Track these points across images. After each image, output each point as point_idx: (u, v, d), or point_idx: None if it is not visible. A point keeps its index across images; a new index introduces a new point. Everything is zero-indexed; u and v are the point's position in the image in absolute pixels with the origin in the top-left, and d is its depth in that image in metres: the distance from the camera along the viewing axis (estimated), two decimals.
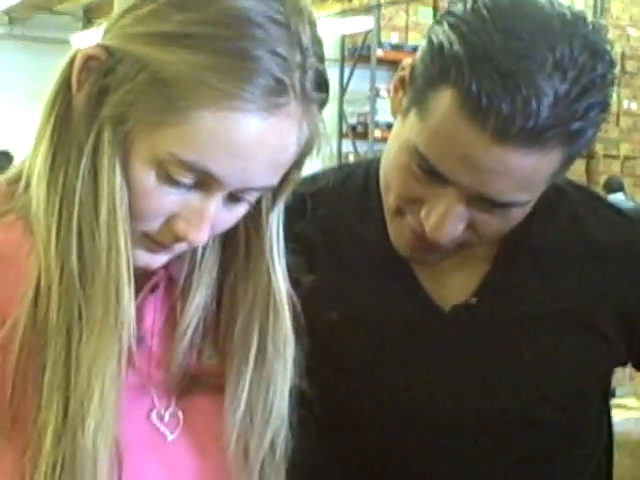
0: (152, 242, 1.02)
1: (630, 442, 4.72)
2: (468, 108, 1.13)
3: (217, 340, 1.12)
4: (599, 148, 12.22)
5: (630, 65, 12.66)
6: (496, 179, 1.17)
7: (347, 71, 13.68)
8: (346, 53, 13.87)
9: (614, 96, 1.22)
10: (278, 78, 0.95)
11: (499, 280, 1.35)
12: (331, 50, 13.98)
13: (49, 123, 1.02)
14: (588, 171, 12.18)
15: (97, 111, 0.97)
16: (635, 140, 12.78)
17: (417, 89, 1.21)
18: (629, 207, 9.65)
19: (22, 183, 1.04)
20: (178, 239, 1.01)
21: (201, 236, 1.00)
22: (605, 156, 12.39)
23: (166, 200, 0.98)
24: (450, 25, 1.17)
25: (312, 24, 1.00)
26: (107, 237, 0.97)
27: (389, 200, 1.29)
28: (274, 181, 1.02)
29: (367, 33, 13.05)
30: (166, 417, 1.08)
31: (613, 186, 10.47)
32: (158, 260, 1.05)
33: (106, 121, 0.96)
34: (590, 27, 1.20)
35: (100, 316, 0.98)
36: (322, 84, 1.01)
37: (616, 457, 5.07)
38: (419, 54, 1.23)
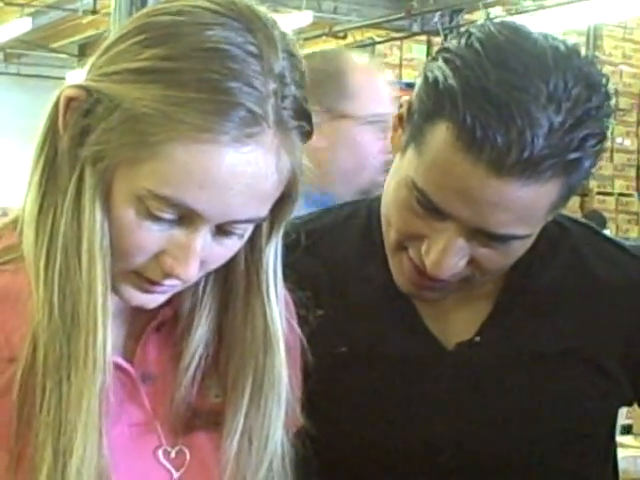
0: (143, 280, 1.02)
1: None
2: (463, 140, 1.14)
3: (220, 377, 1.12)
4: (593, 185, 12.26)
5: (623, 102, 12.70)
6: (494, 211, 1.17)
7: None
8: None
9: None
10: (249, 109, 0.94)
11: (502, 319, 1.35)
12: None
13: (38, 165, 1.03)
14: (582, 208, 12.20)
15: (78, 152, 0.98)
16: (629, 177, 12.82)
17: (414, 125, 1.21)
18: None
19: (18, 229, 1.06)
20: (167, 275, 1.00)
21: (189, 272, 0.99)
22: (599, 193, 12.43)
23: (150, 237, 0.98)
24: (445, 60, 1.18)
25: (289, 52, 1.00)
26: (87, 276, 0.98)
27: (390, 236, 1.29)
28: (260, 213, 1.01)
29: None
30: (172, 454, 1.09)
31: (596, 221, 10.41)
32: (153, 300, 1.05)
33: (86, 161, 0.97)
34: (584, 60, 1.21)
35: (82, 356, 0.98)
36: (301, 112, 1.00)
37: None
38: (415, 90, 1.23)
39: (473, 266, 1.24)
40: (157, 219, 0.97)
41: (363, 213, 1.39)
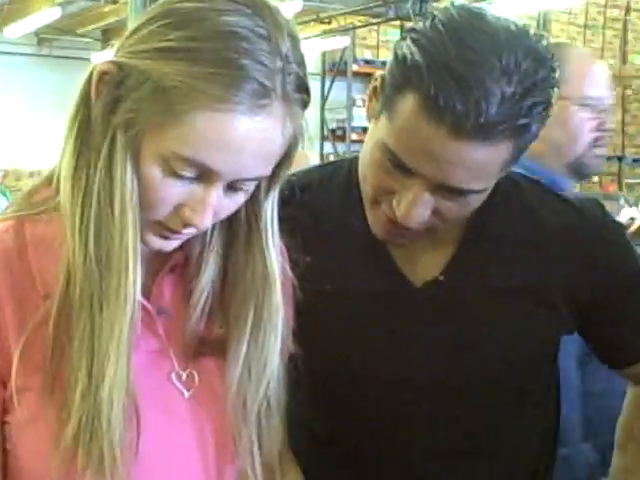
0: (164, 229, 1.03)
1: None
2: (428, 108, 1.14)
3: (224, 311, 1.13)
4: None
5: None
6: (454, 170, 1.17)
7: (327, 83, 13.74)
8: (326, 68, 13.92)
9: None
10: (261, 83, 0.96)
11: (463, 260, 1.35)
12: (313, 65, 13.99)
13: (72, 131, 1.03)
14: None
15: (111, 118, 0.98)
16: None
17: (386, 96, 1.21)
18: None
19: (54, 185, 1.06)
20: (185, 225, 1.01)
21: (205, 221, 1.01)
22: None
23: (172, 191, 0.99)
24: (412, 39, 1.17)
25: (292, 36, 1.00)
26: (119, 224, 0.98)
27: (366, 191, 1.29)
28: (266, 172, 1.03)
29: (344, 50, 13.14)
30: (183, 377, 1.10)
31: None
32: (169, 245, 1.06)
33: (118, 126, 0.98)
34: (532, 38, 1.20)
35: (114, 292, 0.99)
36: (302, 86, 1.01)
37: None
38: (387, 67, 1.23)
39: (437, 216, 1.24)
40: (179, 177, 0.98)
41: (345, 171, 1.39)
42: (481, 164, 1.17)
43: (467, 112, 1.12)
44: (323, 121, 13.61)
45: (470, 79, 1.12)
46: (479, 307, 1.35)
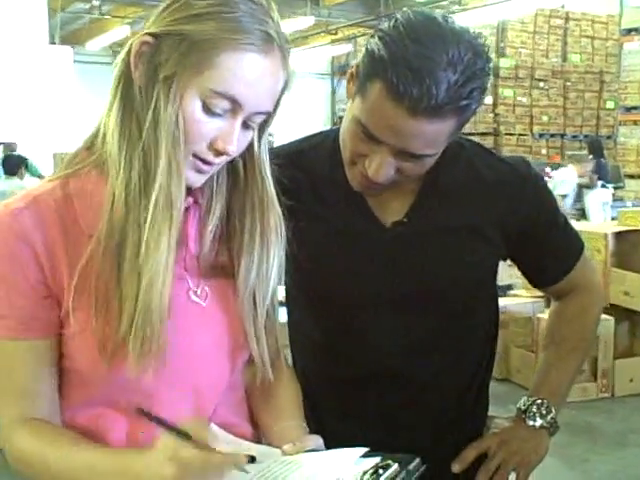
0: (200, 161, 1.01)
1: (520, 318, 4.78)
2: (390, 94, 1.13)
3: (231, 244, 1.10)
4: (502, 129, 12.24)
5: (521, 72, 12.58)
6: (412, 140, 1.16)
7: (336, 81, 13.64)
8: (335, 69, 13.84)
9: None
10: (267, 32, 0.98)
11: (421, 206, 1.34)
12: (325, 67, 13.90)
13: (117, 94, 1.01)
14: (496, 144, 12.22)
15: (154, 76, 0.97)
16: (526, 122, 12.72)
17: (359, 81, 1.20)
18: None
19: (99, 139, 1.04)
20: (218, 154, 1.00)
21: (234, 148, 1.01)
22: (506, 134, 12.42)
23: (208, 127, 0.98)
24: (379, 37, 1.16)
25: (275, 11, 1.02)
26: (167, 152, 0.97)
27: (345, 155, 1.28)
28: (271, 107, 1.03)
29: (348, 55, 13.04)
30: (198, 292, 1.08)
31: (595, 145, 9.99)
32: (201, 179, 1.04)
33: (164, 81, 0.97)
34: (472, 35, 1.18)
35: (159, 213, 0.97)
36: (288, 40, 1.03)
37: (512, 328, 5.09)
38: (360, 58, 1.21)
39: (399, 174, 1.23)
40: (213, 114, 0.98)
41: (331, 139, 1.37)
42: (432, 135, 1.16)
43: (421, 96, 1.11)
44: (333, 111, 13.55)
45: (423, 70, 1.11)
46: (434, 241, 1.34)
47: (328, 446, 1.09)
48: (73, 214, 1.01)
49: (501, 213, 1.36)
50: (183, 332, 1.05)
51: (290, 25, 12.84)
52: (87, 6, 12.28)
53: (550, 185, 7.12)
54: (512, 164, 1.41)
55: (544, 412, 1.42)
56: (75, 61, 9.24)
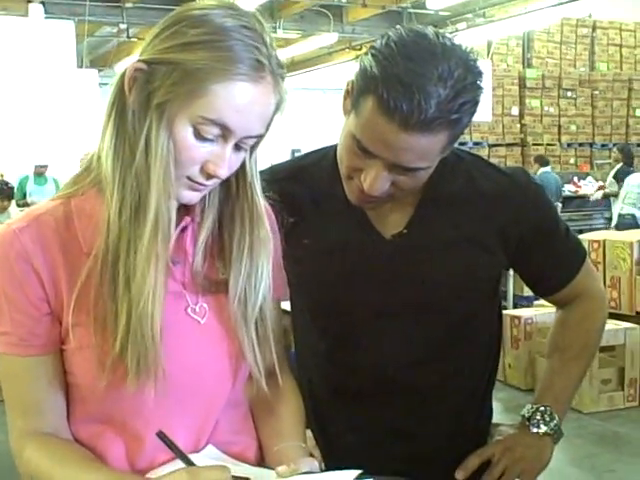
0: (193, 183, 1.02)
1: (544, 328, 4.74)
2: (382, 109, 1.14)
3: (224, 258, 1.11)
4: (530, 139, 12.18)
5: (548, 82, 12.50)
6: (404, 153, 1.18)
7: None
8: None
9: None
10: (258, 60, 0.98)
11: (421, 218, 1.35)
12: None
13: (111, 117, 1.03)
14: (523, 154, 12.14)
15: (147, 103, 0.99)
16: (554, 132, 12.62)
17: (354, 97, 1.21)
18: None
19: (94, 162, 1.06)
20: (210, 177, 1.02)
21: (225, 172, 1.02)
22: (534, 144, 12.36)
23: (199, 151, 1.00)
24: (372, 54, 1.18)
25: (269, 33, 1.03)
26: (158, 177, 0.98)
27: (342, 169, 1.30)
28: (263, 131, 1.04)
29: None
30: (197, 309, 1.08)
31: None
32: (196, 197, 1.05)
33: (154, 108, 0.98)
34: (464, 50, 1.19)
35: (149, 234, 0.99)
36: (281, 65, 1.03)
37: (537, 338, 5.02)
38: (355, 74, 1.22)
39: (395, 187, 1.24)
40: (204, 139, 0.99)
41: (331, 155, 1.38)
42: (424, 149, 1.17)
43: (412, 111, 1.12)
44: None
45: (414, 85, 1.12)
46: (434, 253, 1.35)
47: (334, 455, 1.10)
48: (73, 232, 1.03)
49: (501, 224, 1.37)
50: (182, 349, 1.06)
51: (314, 42, 12.87)
52: (114, 30, 12.44)
53: (622, 192, 6.94)
54: (511, 175, 1.42)
55: (548, 419, 1.42)
56: (103, 84, 9.35)
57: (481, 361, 1.47)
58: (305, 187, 1.38)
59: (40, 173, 8.86)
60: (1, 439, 1.20)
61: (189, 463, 0.99)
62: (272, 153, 1.37)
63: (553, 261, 1.45)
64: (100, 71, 10.24)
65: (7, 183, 7.75)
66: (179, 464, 1.00)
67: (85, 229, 1.03)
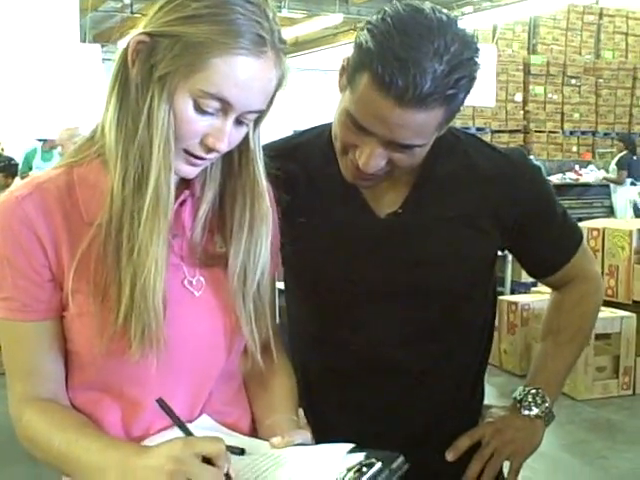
0: (192, 156, 1.03)
1: (540, 314, 4.69)
2: (377, 84, 1.13)
3: (223, 232, 1.11)
4: (532, 126, 12.14)
5: (552, 70, 12.46)
6: (399, 130, 1.16)
7: None
8: None
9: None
10: (259, 34, 0.98)
11: (416, 197, 1.34)
12: None
13: (114, 90, 1.03)
14: (525, 141, 12.11)
15: (149, 75, 0.99)
16: (557, 120, 12.58)
17: (349, 73, 1.20)
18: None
19: (98, 133, 1.06)
20: (209, 151, 1.02)
21: (224, 146, 1.02)
22: (536, 131, 12.31)
23: (199, 124, 1.00)
24: (367, 29, 1.16)
25: (273, 9, 1.02)
26: (157, 153, 0.99)
27: (337, 145, 1.29)
28: (264, 106, 1.04)
29: None
30: (193, 282, 1.09)
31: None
32: (195, 171, 1.05)
33: (156, 80, 0.98)
34: (460, 26, 1.18)
35: (150, 207, 0.99)
36: (283, 40, 1.03)
37: (532, 324, 5.04)
38: (350, 51, 1.21)
39: (391, 164, 1.23)
40: (204, 112, 0.99)
41: (326, 132, 1.37)
42: (420, 125, 1.16)
43: (407, 86, 1.11)
44: None
45: (409, 60, 1.11)
46: (428, 232, 1.34)
47: (326, 436, 1.10)
48: (75, 201, 1.04)
49: (497, 204, 1.36)
50: (177, 319, 1.06)
51: (319, 23, 12.81)
52: (119, 5, 12.38)
53: None
54: (508, 155, 1.40)
55: (539, 401, 1.42)
56: (107, 59, 9.31)
57: (474, 344, 1.47)
58: (300, 165, 1.37)
59: (52, 147, 8.81)
60: (1, 410, 1.21)
61: (186, 431, 1.00)
62: (274, 134, 1.35)
63: (549, 243, 1.44)
64: (103, 47, 10.15)
65: (11, 159, 7.68)
66: (174, 433, 1.01)
67: (87, 199, 1.04)
